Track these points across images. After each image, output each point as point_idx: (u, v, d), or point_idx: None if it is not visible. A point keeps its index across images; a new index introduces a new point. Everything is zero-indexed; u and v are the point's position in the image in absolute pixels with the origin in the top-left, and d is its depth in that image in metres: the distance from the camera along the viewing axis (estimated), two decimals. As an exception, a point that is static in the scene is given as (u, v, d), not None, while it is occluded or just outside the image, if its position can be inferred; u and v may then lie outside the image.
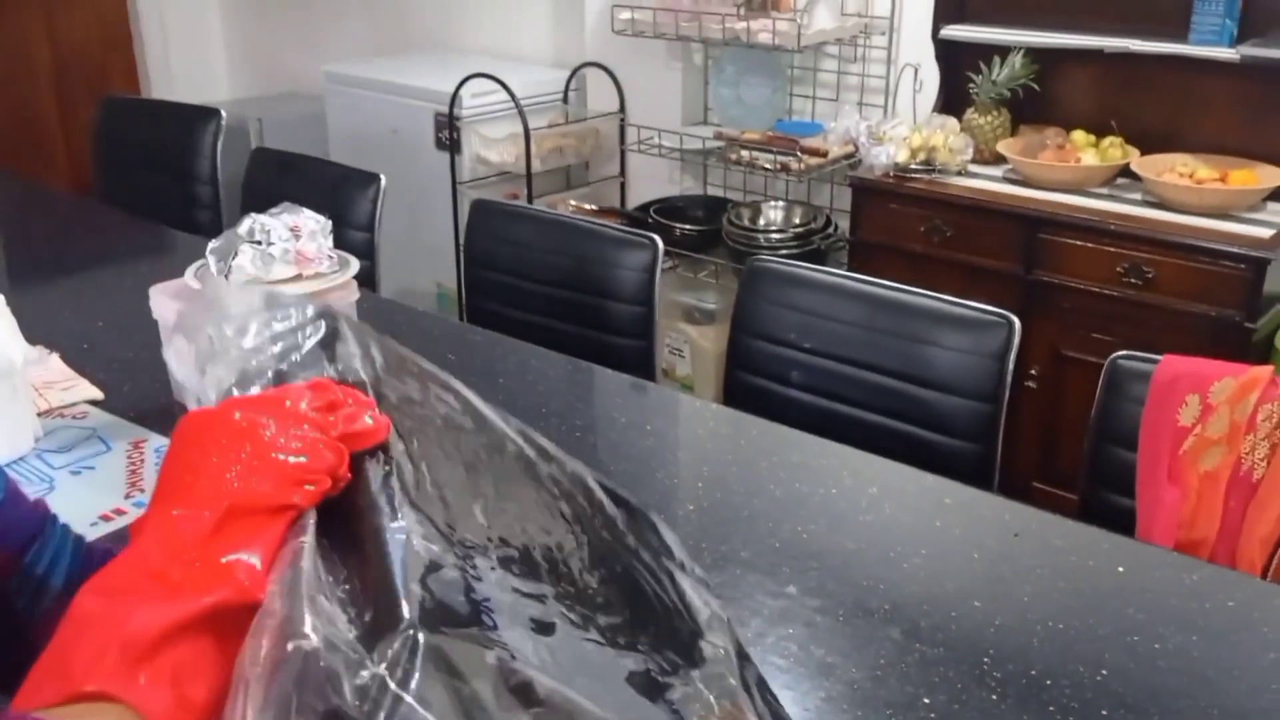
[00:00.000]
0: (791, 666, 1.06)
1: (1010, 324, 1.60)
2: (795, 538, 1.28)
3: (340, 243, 1.53)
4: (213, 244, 1.41)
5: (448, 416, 0.80)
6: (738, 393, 1.83)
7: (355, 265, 1.47)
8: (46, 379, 1.55)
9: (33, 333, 1.42)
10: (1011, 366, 1.60)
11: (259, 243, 1.39)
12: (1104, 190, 2.73)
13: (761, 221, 3.14)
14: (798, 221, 3.11)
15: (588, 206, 3.37)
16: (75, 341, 1.69)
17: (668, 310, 3.26)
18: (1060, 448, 2.73)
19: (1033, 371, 2.72)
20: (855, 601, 1.16)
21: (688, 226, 3.18)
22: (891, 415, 1.69)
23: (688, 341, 3.26)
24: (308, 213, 1.44)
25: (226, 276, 1.39)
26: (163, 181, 2.78)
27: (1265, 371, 1.40)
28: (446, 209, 3.43)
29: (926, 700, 1.02)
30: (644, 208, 3.35)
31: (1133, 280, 2.56)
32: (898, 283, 1.74)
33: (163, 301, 1.41)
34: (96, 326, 1.79)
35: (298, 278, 1.42)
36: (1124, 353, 1.50)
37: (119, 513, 1.29)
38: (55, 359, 1.59)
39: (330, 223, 1.45)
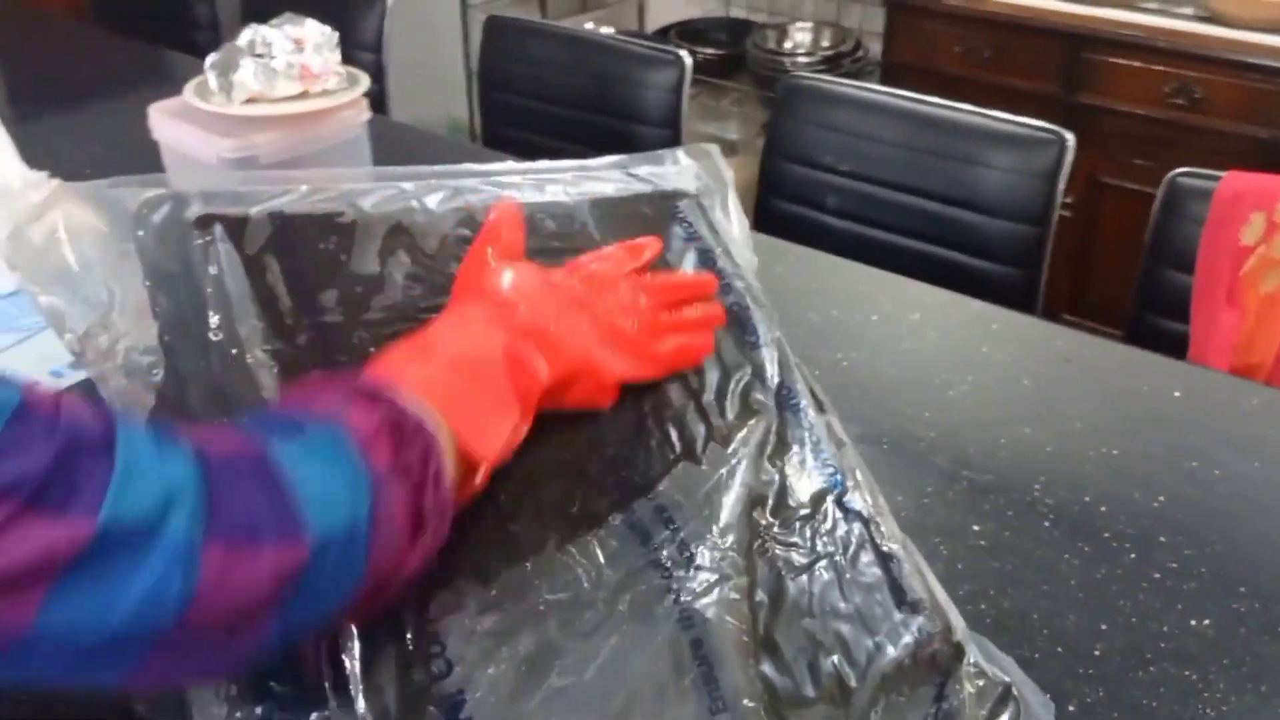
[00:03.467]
0: (834, 495, 1.01)
1: (1062, 141, 1.51)
2: (835, 366, 1.22)
3: (346, 64, 1.43)
4: (211, 58, 1.32)
5: None
6: (770, 220, 1.75)
7: (365, 81, 1.38)
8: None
9: (32, 158, 1.34)
10: (1062, 187, 1.52)
11: (260, 56, 1.30)
12: (1153, 4, 2.57)
13: (788, 45, 2.99)
14: (826, 44, 2.96)
15: (604, 30, 3.22)
16: (76, 167, 1.61)
17: (689, 140, 3.13)
18: (1094, 279, 2.65)
19: (1068, 200, 2.61)
20: (899, 429, 1.11)
21: (710, 51, 3.04)
22: (931, 240, 1.61)
23: (710, 173, 3.15)
24: (312, 23, 1.34)
25: (228, 94, 1.30)
26: (158, 2, 2.65)
27: (1335, 187, 1.31)
28: (455, 32, 3.27)
29: (976, 528, 0.98)
30: (663, 31, 3.20)
31: (1180, 101, 2.44)
32: (935, 106, 1.64)
33: (162, 121, 1.33)
34: (96, 151, 1.71)
35: (303, 95, 1.33)
36: (1183, 169, 1.41)
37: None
38: (56, 184, 1.51)
39: (337, 35, 1.36)
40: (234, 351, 0.65)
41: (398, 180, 0.80)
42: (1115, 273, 2.59)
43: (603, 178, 0.85)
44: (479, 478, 0.61)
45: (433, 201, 0.78)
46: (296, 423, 0.53)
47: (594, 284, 0.72)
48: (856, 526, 0.74)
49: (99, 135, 1.77)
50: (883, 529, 0.74)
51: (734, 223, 0.88)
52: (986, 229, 1.56)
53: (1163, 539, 0.96)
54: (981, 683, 0.70)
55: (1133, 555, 0.95)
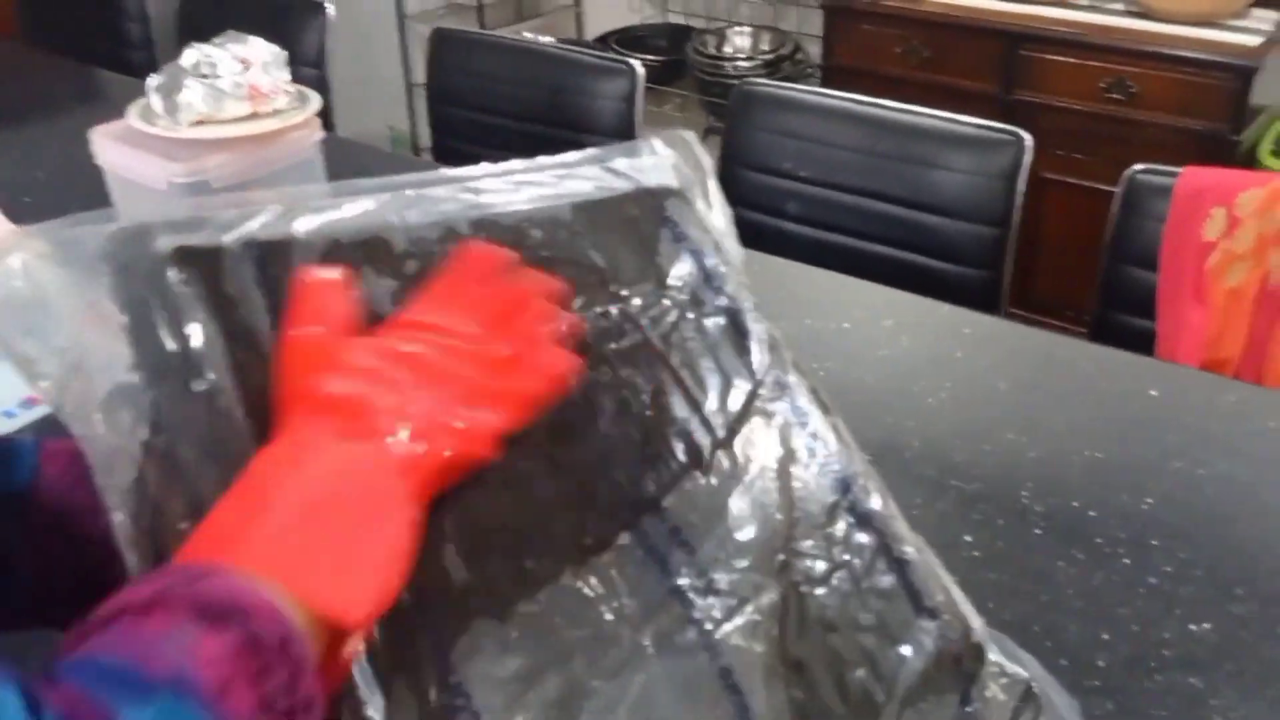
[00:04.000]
0: (825, 511, 1.00)
1: (1020, 141, 1.51)
2: (811, 376, 1.20)
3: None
4: (154, 79, 1.27)
5: None
6: (728, 227, 1.73)
7: (317, 100, 1.34)
8: (-18, 238, 1.42)
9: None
10: (1021, 187, 1.52)
11: (206, 76, 1.25)
12: (1085, 1, 2.61)
13: (728, 49, 2.99)
14: (766, 48, 2.96)
15: (544, 39, 3.19)
16: (15, 194, 1.54)
17: (631, 147, 3.11)
18: (1039, 274, 2.68)
19: (1012, 196, 2.64)
20: (884, 441, 1.09)
21: (651, 57, 3.02)
22: (893, 243, 1.61)
23: (654, 179, 3.14)
24: (258, 41, 1.30)
25: (174, 116, 1.25)
26: (89, 20, 2.56)
27: (1293, 181, 1.33)
28: (393, 44, 3.22)
29: (969, 539, 0.97)
30: (603, 39, 3.18)
31: (1116, 96, 2.48)
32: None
33: (106, 145, 1.28)
34: (38, 177, 1.64)
35: (253, 116, 1.28)
36: (1142, 166, 1.42)
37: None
38: (10, 229, 1.45)
39: (285, 53, 1.31)
40: (221, 401, 0.61)
41: (367, 193, 0.75)
42: (1060, 268, 2.62)
43: (581, 175, 0.82)
44: (348, 648, 0.52)
45: (412, 216, 0.74)
46: (143, 680, 0.44)
47: (438, 334, 0.61)
48: (870, 532, 0.72)
49: (38, 160, 1.70)
50: (896, 532, 0.72)
51: (716, 212, 0.84)
52: (948, 231, 1.56)
53: (1155, 542, 0.96)
54: (1004, 681, 0.69)
55: (1127, 560, 0.94)
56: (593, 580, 0.63)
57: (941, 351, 1.25)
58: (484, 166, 0.82)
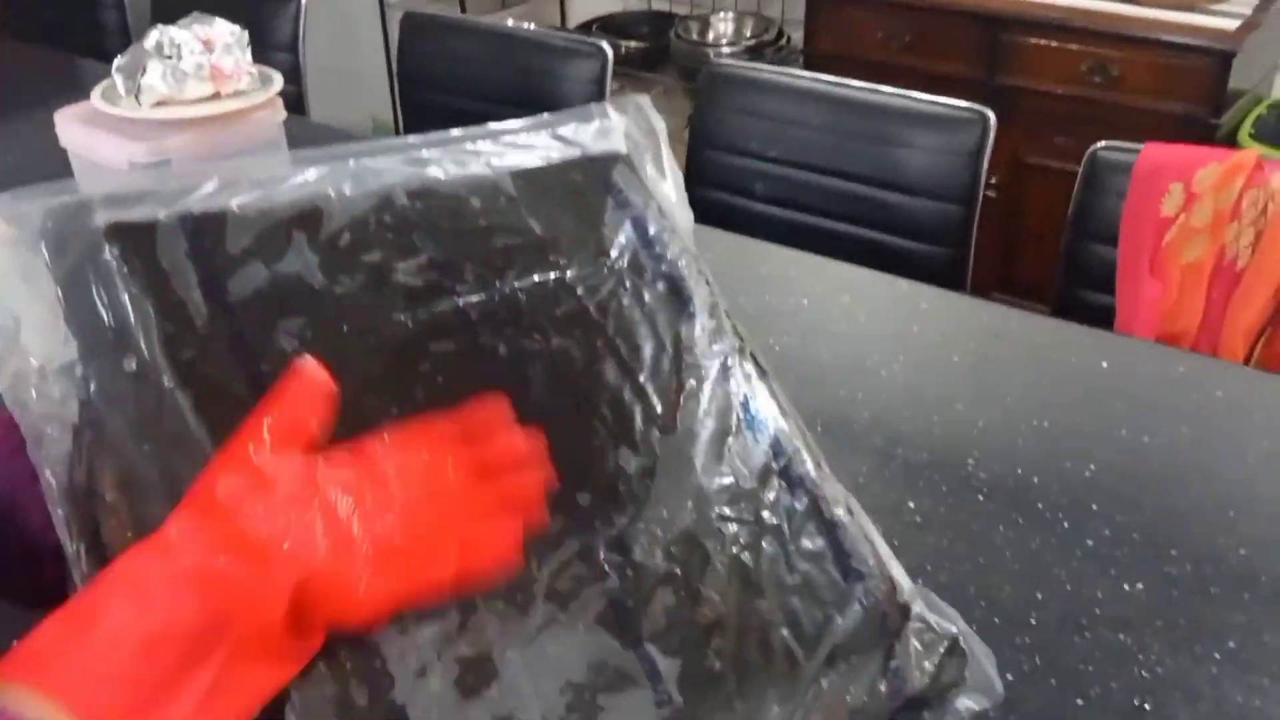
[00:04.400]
0: (771, 479, 1.01)
1: (985, 119, 1.52)
2: (768, 351, 1.20)
3: (259, 65, 1.40)
4: (118, 61, 1.29)
5: None
6: (699, 209, 1.73)
7: (279, 81, 1.35)
8: (-48, 221, 1.43)
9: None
10: (986, 165, 1.53)
11: (169, 57, 1.26)
12: (1068, -15, 2.60)
13: (711, 35, 3.00)
14: (749, 34, 2.97)
15: (526, 27, 3.20)
16: (-19, 180, 1.56)
17: (617, 135, 3.12)
18: (1022, 257, 2.69)
19: (993, 180, 2.64)
20: (833, 412, 1.11)
21: (633, 44, 3.03)
22: (860, 222, 1.62)
23: (639, 167, 3.14)
24: (221, 22, 1.31)
25: (136, 97, 1.27)
26: (67, 8, 2.58)
27: (1250, 156, 1.34)
28: (375, 32, 3.23)
29: (911, 504, 0.98)
30: (585, 26, 3.18)
31: (1097, 80, 2.48)
32: (860, 90, 1.64)
33: (69, 126, 1.29)
34: (8, 162, 1.66)
35: (215, 96, 1.30)
36: (1104, 143, 1.42)
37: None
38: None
39: (246, 33, 1.32)
40: (152, 374, 0.62)
41: (311, 164, 0.76)
42: (1042, 251, 2.62)
43: (529, 144, 0.81)
44: None
45: (349, 188, 0.74)
46: None
47: (380, 484, 0.56)
48: (801, 496, 0.73)
49: (8, 146, 1.72)
50: (828, 495, 0.73)
51: (668, 178, 0.83)
52: (913, 209, 1.57)
53: (1095, 507, 0.97)
54: (929, 637, 0.70)
55: (1066, 525, 0.96)
56: None
57: (897, 326, 1.26)
58: (432, 135, 0.82)
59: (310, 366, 0.58)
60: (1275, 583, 0.89)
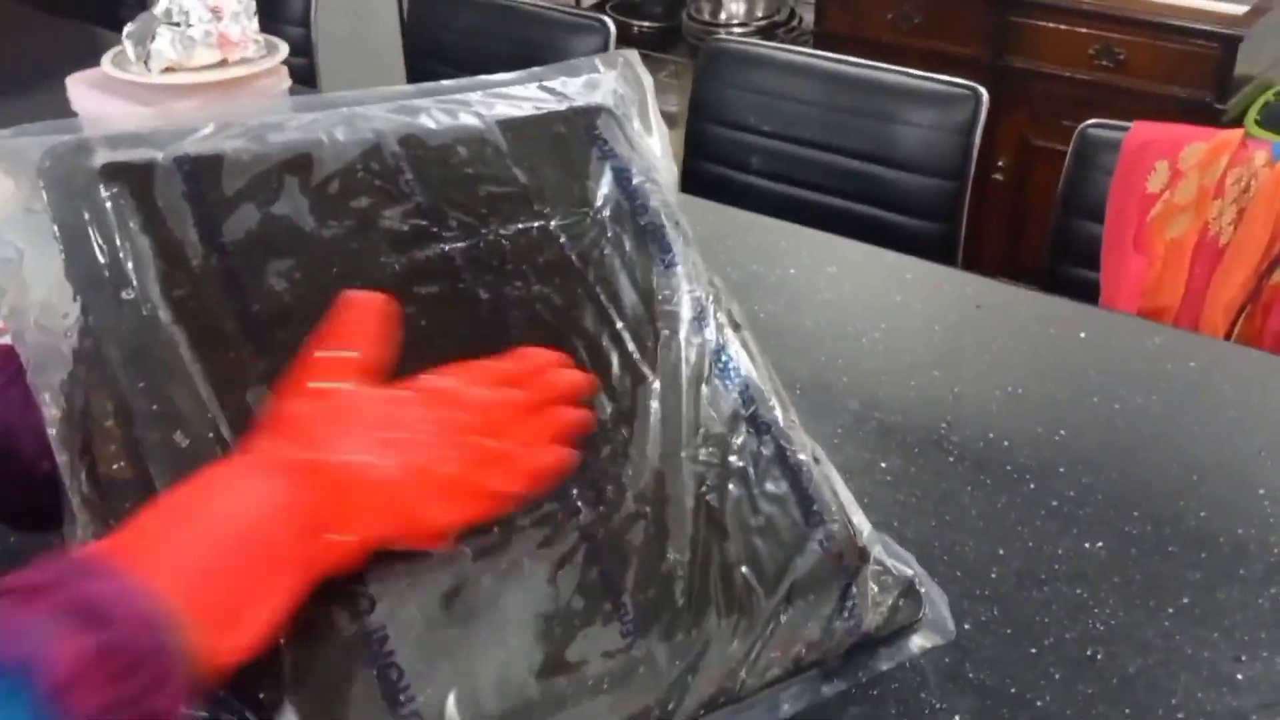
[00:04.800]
0: (748, 438, 1.04)
1: (977, 96, 1.54)
2: (752, 319, 1.22)
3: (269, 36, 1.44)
4: (128, 27, 1.32)
5: None
6: (697, 183, 1.77)
7: (284, 49, 1.38)
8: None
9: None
10: (978, 141, 1.55)
11: (177, 24, 1.30)
12: (1075, -32, 2.61)
13: (723, 15, 3.01)
14: (760, 14, 2.98)
15: (532, 1, 3.22)
16: None
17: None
18: (1028, 240, 2.70)
19: (1000, 163, 2.66)
20: (812, 377, 1.13)
21: (645, 23, 3.05)
22: (854, 198, 1.64)
23: (650, 146, 3.16)
24: (228, -9, 1.34)
25: (145, 63, 1.30)
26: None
27: (1235, 135, 1.36)
28: (390, 5, 3.25)
29: (883, 464, 1.01)
30: (599, 4, 3.20)
31: (1104, 63, 2.49)
32: (863, 68, 1.67)
33: (81, 91, 1.33)
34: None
35: (222, 63, 1.33)
36: (1094, 121, 1.44)
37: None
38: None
39: (254, 2, 1.36)
40: (147, 309, 0.65)
41: (304, 110, 0.78)
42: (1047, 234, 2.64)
43: (517, 95, 0.83)
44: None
45: (340, 134, 0.75)
46: None
47: (443, 407, 0.61)
48: (768, 442, 0.76)
49: (25, 111, 1.75)
50: (793, 442, 0.76)
51: (654, 132, 0.86)
52: (906, 185, 1.60)
53: (1061, 469, 1.00)
54: (886, 579, 0.74)
55: (1032, 485, 0.98)
56: None
57: (881, 296, 1.29)
58: (424, 85, 0.84)
59: (360, 297, 0.64)
60: (1232, 543, 0.92)
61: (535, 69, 0.86)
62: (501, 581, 0.64)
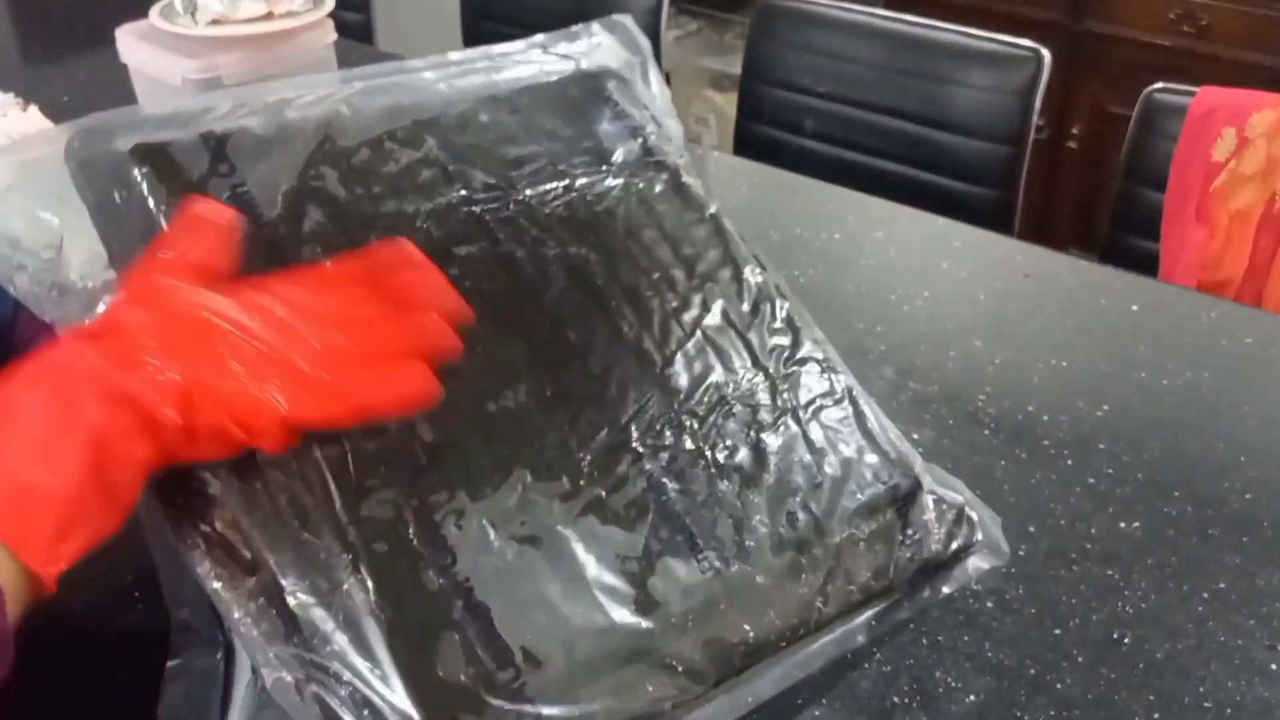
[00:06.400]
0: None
1: (1039, 57, 1.49)
2: (793, 283, 1.20)
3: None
4: (176, -21, 1.33)
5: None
6: (749, 145, 1.74)
7: (329, 3, 1.38)
8: (24, 130, 1.49)
9: (14, 86, 1.36)
10: (1038, 105, 1.50)
11: (224, -24, 1.30)
12: (1160, -72, 2.51)
13: (791, -25, 2.95)
14: (830, -25, 2.92)
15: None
16: (55, 94, 1.63)
17: (693, 77, 3.11)
18: (1104, 210, 2.62)
19: (1074, 130, 2.58)
20: (850, 343, 1.10)
21: (713, -16, 3.00)
22: (910, 162, 1.60)
23: (714, 110, 3.13)
24: (275, -57, 1.34)
25: (193, 15, 1.31)
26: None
27: (1311, 101, 1.29)
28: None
29: (915, 436, 0.98)
30: (668, -36, 3.16)
31: (1185, 28, 2.40)
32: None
33: (129, 43, 1.34)
34: (76, 77, 1.72)
35: (268, 16, 1.33)
36: (1160, 85, 1.38)
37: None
38: (34, 110, 1.53)
39: (300, -45, 1.35)
40: None
41: (319, 85, 0.79)
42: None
43: (523, 61, 0.85)
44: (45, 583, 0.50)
45: (360, 104, 0.77)
46: None
47: (286, 305, 0.58)
48: (815, 375, 0.78)
49: (79, 62, 1.78)
50: (842, 379, 0.79)
51: (656, 93, 0.88)
52: (963, 150, 1.55)
53: (1101, 446, 0.96)
54: (942, 505, 0.76)
55: (1070, 461, 0.95)
56: (553, 434, 0.68)
57: (926, 262, 1.26)
58: (432, 58, 0.86)
59: (205, 204, 0.62)
60: (1276, 527, 0.88)
61: (536, 37, 0.88)
62: (577, 527, 0.65)
